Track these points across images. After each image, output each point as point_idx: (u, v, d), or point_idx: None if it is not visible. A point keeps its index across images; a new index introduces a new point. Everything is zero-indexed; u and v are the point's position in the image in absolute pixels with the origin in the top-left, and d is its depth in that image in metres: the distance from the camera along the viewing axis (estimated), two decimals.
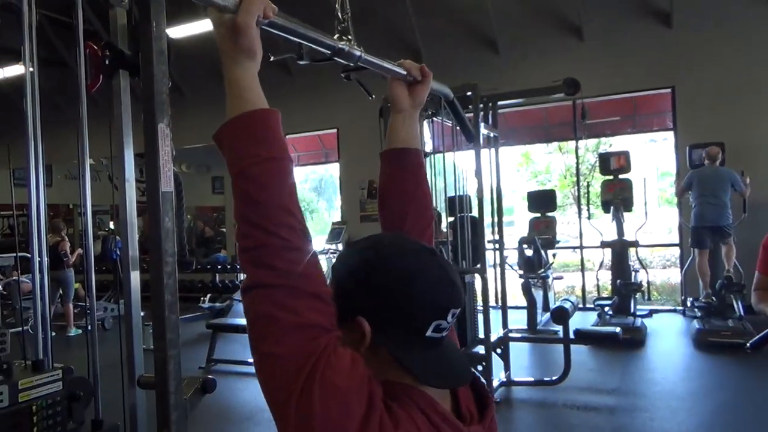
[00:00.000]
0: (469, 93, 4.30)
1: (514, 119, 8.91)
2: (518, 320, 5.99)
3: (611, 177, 6.89)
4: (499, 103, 4.98)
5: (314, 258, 0.77)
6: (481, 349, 4.30)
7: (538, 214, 7.38)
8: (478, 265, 4.52)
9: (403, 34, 8.49)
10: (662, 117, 8.16)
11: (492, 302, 4.59)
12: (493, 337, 4.39)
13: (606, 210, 6.96)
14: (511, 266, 6.36)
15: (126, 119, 1.51)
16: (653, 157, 13.21)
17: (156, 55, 1.16)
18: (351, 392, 0.71)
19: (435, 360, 0.79)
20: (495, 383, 4.27)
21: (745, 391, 4.30)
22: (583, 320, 6.42)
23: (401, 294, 0.77)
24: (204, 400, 1.47)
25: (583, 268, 8.22)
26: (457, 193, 4.61)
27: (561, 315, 4.32)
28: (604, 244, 6.96)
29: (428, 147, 4.73)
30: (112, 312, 7.60)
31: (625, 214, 6.85)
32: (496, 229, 5.03)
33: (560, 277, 8.29)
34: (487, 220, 4.71)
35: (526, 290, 6.36)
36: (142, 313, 1.59)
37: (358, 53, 1.12)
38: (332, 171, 13.02)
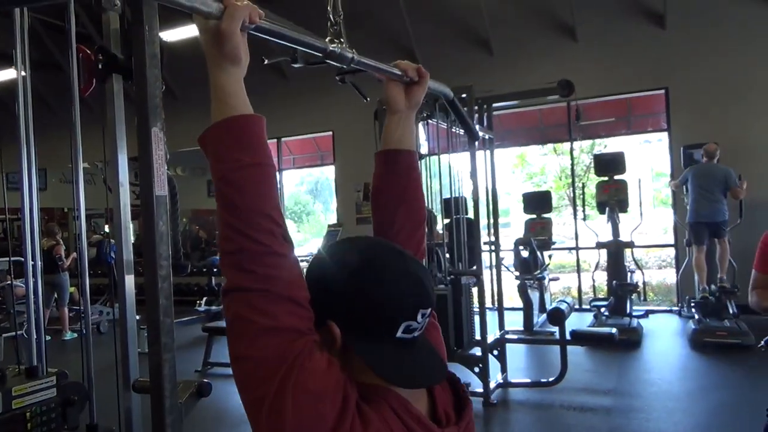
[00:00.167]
0: (464, 95, 4.32)
1: (509, 121, 8.93)
2: (515, 321, 6.00)
3: (606, 178, 6.91)
4: (494, 104, 4.99)
5: (294, 263, 0.78)
6: (477, 351, 4.30)
7: (534, 216, 7.40)
8: (475, 267, 4.52)
9: (397, 36, 8.51)
10: (656, 118, 8.19)
11: (488, 304, 4.60)
12: (490, 339, 4.40)
13: (601, 211, 6.98)
14: (507, 267, 6.37)
15: (119, 123, 1.50)
16: (648, 158, 13.27)
17: (149, 59, 1.16)
18: (324, 395, 0.71)
19: (405, 360, 0.79)
20: (492, 385, 4.27)
21: (741, 391, 4.32)
22: (579, 321, 6.42)
23: (368, 297, 0.78)
24: (200, 403, 1.47)
25: (579, 269, 8.25)
26: (453, 195, 4.61)
27: (557, 316, 4.33)
28: (599, 245, 6.97)
29: (424, 149, 4.73)
30: (108, 316, 7.56)
31: (621, 215, 6.86)
32: (492, 230, 5.04)
33: (556, 279, 8.30)
34: (483, 221, 4.71)
35: (523, 291, 6.37)
36: (137, 317, 1.58)
37: (350, 55, 1.11)
38: (328, 173, 13.01)
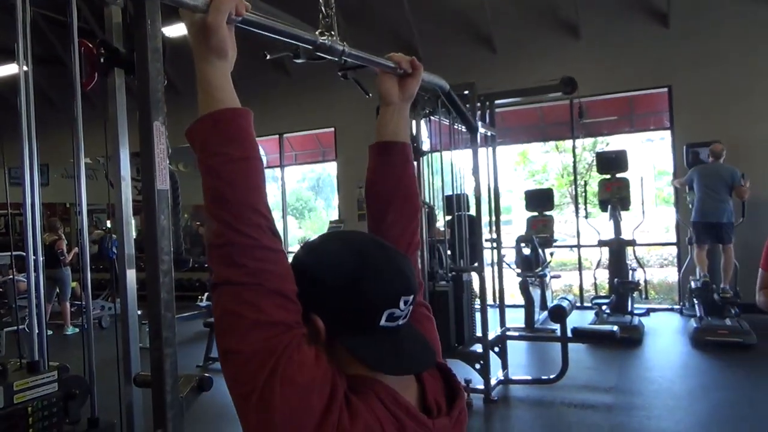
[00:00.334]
0: (466, 92, 4.30)
1: (511, 118, 8.91)
2: (516, 319, 6.00)
3: (608, 176, 6.90)
4: (496, 102, 4.98)
5: (282, 256, 0.78)
6: (478, 348, 4.30)
7: (536, 213, 7.40)
8: (476, 264, 4.52)
9: (400, 33, 8.49)
10: (659, 116, 8.17)
11: (490, 301, 4.60)
12: (491, 336, 4.40)
13: (603, 209, 6.97)
14: (508, 265, 6.37)
15: (121, 117, 1.50)
16: (650, 157, 13.25)
17: (151, 53, 1.15)
18: (311, 387, 0.72)
19: (389, 348, 0.80)
20: (493, 381, 4.27)
21: (742, 390, 4.31)
22: (580, 319, 6.42)
23: (348, 288, 0.78)
24: (201, 398, 1.47)
25: (580, 267, 8.24)
26: (455, 192, 4.61)
27: (558, 313, 4.33)
28: (601, 243, 6.97)
29: (426, 146, 4.73)
30: (109, 310, 7.58)
31: (623, 213, 6.85)
32: (494, 227, 5.03)
33: (558, 276, 8.30)
34: (485, 218, 4.71)
35: (524, 289, 6.37)
36: (138, 312, 1.58)
37: (340, 48, 1.11)
38: (330, 170, 13.00)
